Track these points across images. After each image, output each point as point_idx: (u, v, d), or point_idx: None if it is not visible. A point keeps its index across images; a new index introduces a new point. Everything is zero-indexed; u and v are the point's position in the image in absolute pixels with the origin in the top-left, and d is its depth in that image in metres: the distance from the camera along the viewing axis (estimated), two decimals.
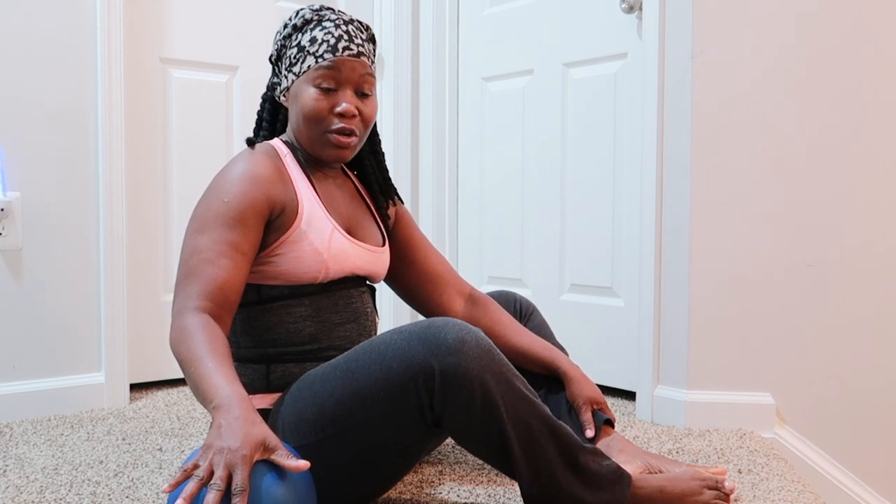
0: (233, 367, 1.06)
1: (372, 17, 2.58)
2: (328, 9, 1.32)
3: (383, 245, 1.41)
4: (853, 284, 1.81)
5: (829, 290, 1.81)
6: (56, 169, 1.92)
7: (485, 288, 2.46)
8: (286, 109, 1.38)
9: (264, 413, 1.27)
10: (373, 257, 1.36)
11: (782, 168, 1.80)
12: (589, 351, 2.18)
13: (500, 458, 1.15)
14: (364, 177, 1.45)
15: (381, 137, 2.57)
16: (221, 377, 1.02)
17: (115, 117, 1.98)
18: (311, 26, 1.30)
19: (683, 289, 1.82)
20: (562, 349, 1.53)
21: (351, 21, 1.31)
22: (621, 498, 1.18)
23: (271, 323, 1.27)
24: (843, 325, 1.81)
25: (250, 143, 1.32)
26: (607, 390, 2.18)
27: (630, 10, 1.98)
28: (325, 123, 1.27)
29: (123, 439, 1.70)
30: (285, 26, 1.32)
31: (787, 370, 1.81)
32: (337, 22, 1.29)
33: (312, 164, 1.35)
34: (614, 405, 2.03)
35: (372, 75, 1.31)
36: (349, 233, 1.34)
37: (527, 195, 2.34)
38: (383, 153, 1.47)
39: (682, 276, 1.82)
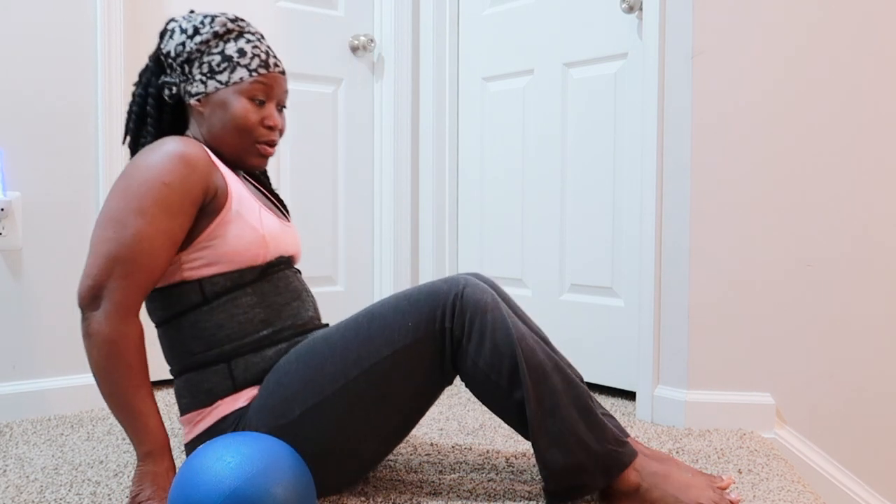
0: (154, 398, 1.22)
1: (372, 17, 2.58)
2: (241, 19, 1.36)
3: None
4: (853, 285, 1.81)
5: (829, 290, 1.81)
6: (56, 169, 1.92)
7: None
8: (175, 110, 1.39)
9: (243, 411, 1.27)
10: (294, 235, 1.43)
11: (782, 168, 1.80)
12: (589, 351, 2.18)
13: (510, 392, 1.22)
14: (250, 173, 1.51)
15: (382, 137, 2.57)
16: (154, 418, 1.21)
17: (115, 117, 1.98)
18: (234, 36, 1.33)
19: (683, 289, 1.82)
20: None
21: (263, 37, 1.38)
22: (630, 451, 1.25)
23: (221, 320, 1.28)
24: (843, 326, 1.81)
25: (134, 140, 1.39)
26: (607, 390, 2.18)
27: (630, 10, 1.98)
28: (255, 134, 1.35)
29: (123, 439, 1.70)
30: (196, 31, 1.32)
31: (787, 370, 1.81)
32: (258, 36, 1.36)
33: (223, 162, 1.39)
34: (614, 405, 2.03)
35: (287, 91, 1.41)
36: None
37: (527, 195, 2.34)
38: None
39: (682, 276, 1.82)
